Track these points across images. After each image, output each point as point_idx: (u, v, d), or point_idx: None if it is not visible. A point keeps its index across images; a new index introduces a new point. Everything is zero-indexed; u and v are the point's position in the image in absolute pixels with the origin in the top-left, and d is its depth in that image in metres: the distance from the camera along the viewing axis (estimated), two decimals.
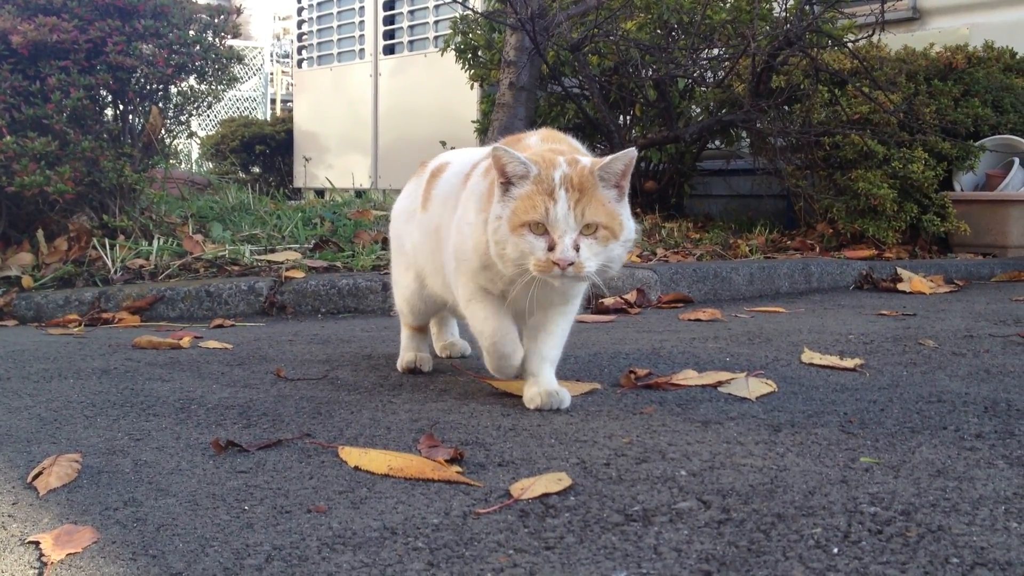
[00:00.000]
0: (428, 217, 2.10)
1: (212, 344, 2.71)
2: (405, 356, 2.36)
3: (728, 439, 1.70)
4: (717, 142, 6.44)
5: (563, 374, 2.29)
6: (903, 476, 1.47)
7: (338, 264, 3.89)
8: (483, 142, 6.12)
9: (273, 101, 14.48)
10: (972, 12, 6.96)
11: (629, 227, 1.78)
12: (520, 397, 2.01)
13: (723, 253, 4.57)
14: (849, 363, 2.34)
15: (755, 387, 2.09)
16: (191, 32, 4.12)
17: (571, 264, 1.69)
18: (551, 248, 1.70)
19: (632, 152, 1.74)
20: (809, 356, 2.43)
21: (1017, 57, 5.88)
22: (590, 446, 1.66)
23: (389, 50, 8.13)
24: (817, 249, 5.02)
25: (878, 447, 1.63)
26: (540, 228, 1.71)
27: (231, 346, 2.70)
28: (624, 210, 1.78)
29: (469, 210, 1.87)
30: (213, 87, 4.37)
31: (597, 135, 5.99)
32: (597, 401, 2.02)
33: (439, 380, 2.25)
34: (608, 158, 1.74)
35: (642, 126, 6.32)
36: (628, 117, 6.39)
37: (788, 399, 2.01)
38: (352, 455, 1.59)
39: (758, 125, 5.15)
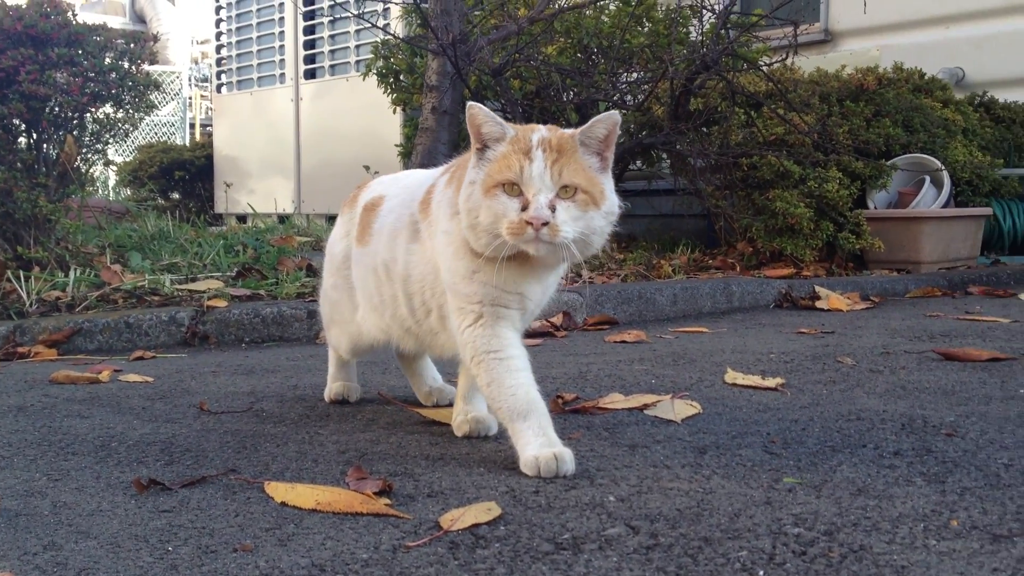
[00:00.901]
0: (367, 252, 1.99)
1: (132, 377, 2.66)
2: (333, 386, 2.33)
3: (655, 463, 1.72)
4: (639, 163, 6.53)
5: None
6: (825, 496, 1.50)
7: (261, 292, 3.84)
8: (406, 165, 6.12)
9: (192, 126, 14.27)
10: (882, 34, 7.18)
11: (612, 200, 1.67)
12: (448, 425, 2.01)
13: (647, 274, 4.62)
14: (771, 383, 2.38)
15: (680, 409, 2.12)
16: (107, 59, 4.05)
17: (545, 224, 1.57)
18: (524, 208, 1.60)
19: (615, 115, 1.64)
20: (732, 376, 2.47)
21: (926, 78, 6.08)
22: (519, 474, 1.66)
23: (310, 74, 8.09)
24: (738, 268, 5.11)
25: (800, 467, 1.67)
26: (515, 189, 1.61)
27: (152, 379, 2.65)
28: (607, 181, 1.67)
29: (441, 220, 1.76)
30: (130, 114, 4.30)
31: None
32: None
33: (366, 410, 2.23)
34: (590, 122, 1.65)
35: None
36: None
37: (713, 421, 2.03)
38: (279, 490, 1.57)
39: (677, 147, 5.24)
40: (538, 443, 1.65)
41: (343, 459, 1.78)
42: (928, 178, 5.26)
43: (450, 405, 2.16)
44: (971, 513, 1.40)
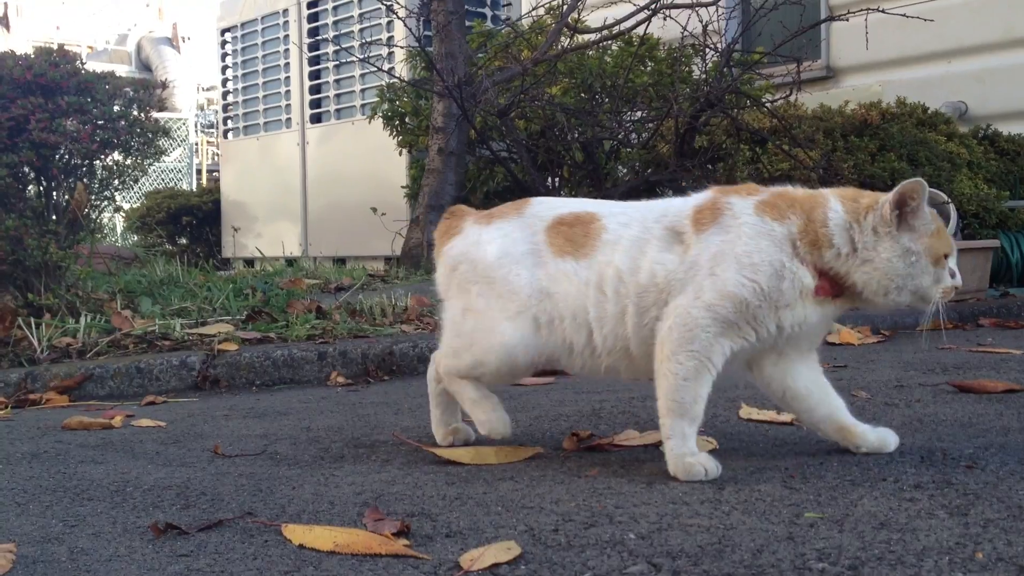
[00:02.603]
0: (586, 265, 1.95)
1: (145, 422, 2.65)
2: (491, 417, 2.11)
3: (674, 499, 1.71)
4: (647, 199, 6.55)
5: (504, 441, 2.29)
6: (847, 530, 1.48)
7: (272, 335, 3.84)
8: (413, 207, 6.14)
9: (199, 171, 14.37)
10: (883, 70, 7.23)
11: None
12: (464, 464, 2.01)
13: None
14: (786, 417, 2.37)
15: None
16: (116, 107, 4.09)
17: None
18: (952, 275, 1.89)
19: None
20: (747, 411, 2.46)
21: (929, 112, 6.11)
22: (537, 512, 1.65)
23: (316, 118, 8.15)
24: None
25: (821, 501, 1.65)
26: (943, 262, 1.87)
27: (165, 424, 2.64)
28: None
29: (755, 244, 1.83)
30: (139, 161, 4.33)
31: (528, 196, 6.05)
32: (541, 465, 2.01)
33: (380, 451, 2.22)
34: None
35: (570, 187, 6.41)
36: (557, 179, 6.47)
37: (730, 456, 2.02)
38: (296, 533, 1.56)
39: (683, 184, 5.26)
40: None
41: (360, 500, 1.77)
42: (935, 211, 5.25)
43: (465, 445, 2.16)
44: (996, 545, 1.38)
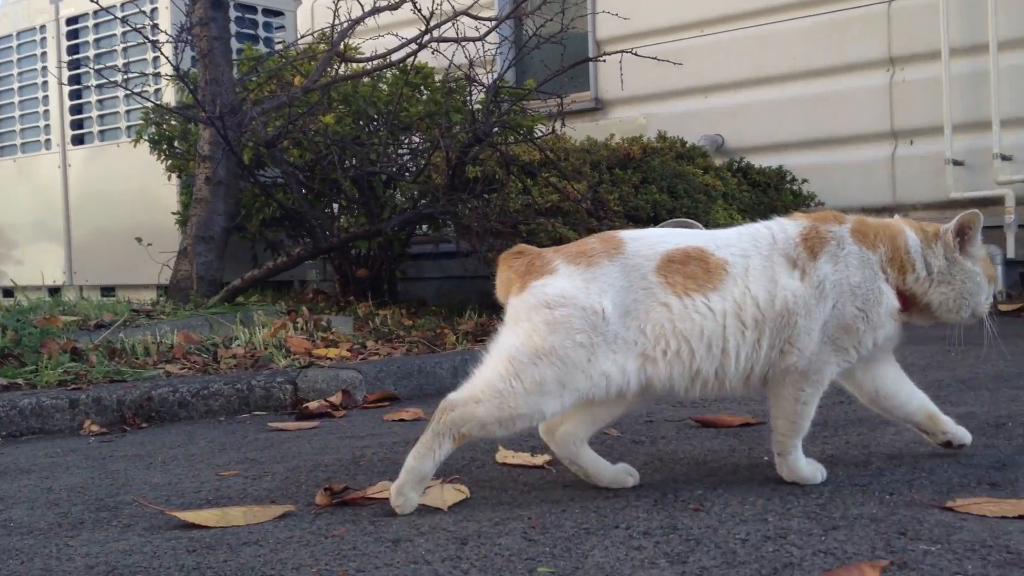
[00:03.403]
0: (718, 297, 2.05)
1: None
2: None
3: (415, 558, 1.73)
4: (425, 227, 6.60)
5: (258, 496, 2.26)
6: None
7: (20, 381, 3.63)
8: (184, 234, 5.94)
9: None
10: (647, 103, 7.60)
11: None
12: (210, 528, 1.96)
13: (431, 344, 4.66)
14: (539, 460, 2.44)
15: (449, 496, 2.14)
16: None
17: None
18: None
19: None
20: (503, 455, 2.52)
21: (688, 146, 6.46)
22: None
23: (79, 140, 7.74)
24: None
25: (555, 553, 1.72)
26: (991, 281, 2.18)
27: None
28: None
29: (865, 276, 2.08)
30: None
31: (303, 227, 5.98)
32: (291, 525, 2.00)
33: (124, 514, 2.14)
34: None
35: (349, 216, 6.38)
36: (337, 207, 6.43)
37: (479, 506, 2.07)
38: None
39: (456, 216, 5.33)
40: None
41: (92, 575, 1.70)
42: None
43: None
44: None
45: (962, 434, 2.28)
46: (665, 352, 2.04)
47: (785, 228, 2.14)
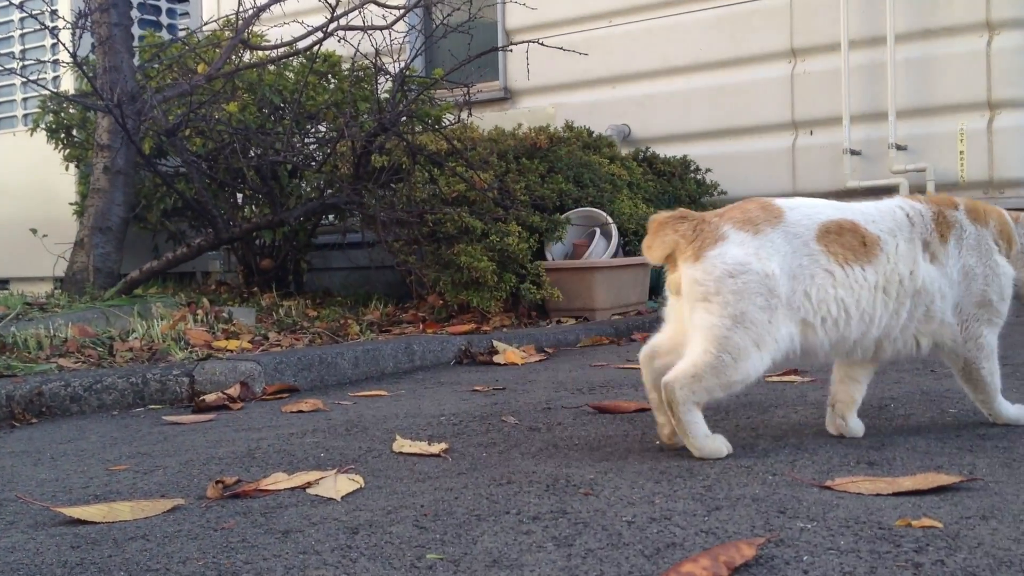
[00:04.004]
0: (871, 270, 2.23)
1: None
2: (715, 443, 2.25)
3: (305, 549, 1.72)
4: (332, 217, 6.55)
5: (148, 490, 2.22)
6: (463, 570, 1.56)
7: None
8: (81, 225, 5.79)
9: None
10: (555, 93, 7.64)
11: None
12: (96, 524, 1.92)
13: (335, 335, 4.62)
14: (436, 448, 2.45)
15: (342, 485, 2.13)
16: None
17: None
18: None
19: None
20: (400, 444, 2.52)
21: (594, 136, 6.52)
22: (163, 574, 1.61)
23: None
24: (428, 322, 5.23)
25: (445, 540, 1.72)
26: None
27: None
28: None
29: (993, 257, 2.33)
30: None
31: (205, 217, 5.88)
32: (179, 519, 1.96)
33: (8, 511, 2.08)
34: None
35: (252, 206, 6.29)
36: (241, 197, 6.33)
37: (372, 495, 2.07)
38: None
39: (362, 203, 5.30)
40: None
41: None
42: (598, 230, 5.63)
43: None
44: (590, 574, 1.50)
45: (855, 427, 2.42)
46: (824, 318, 2.21)
47: (920, 212, 2.32)
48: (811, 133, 6.96)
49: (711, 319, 2.16)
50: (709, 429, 2.24)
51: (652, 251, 2.29)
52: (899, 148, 6.53)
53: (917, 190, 6.44)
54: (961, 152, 6.38)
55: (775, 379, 3.32)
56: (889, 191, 6.55)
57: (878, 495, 1.86)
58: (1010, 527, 1.64)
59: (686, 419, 2.19)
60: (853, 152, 6.69)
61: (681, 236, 2.23)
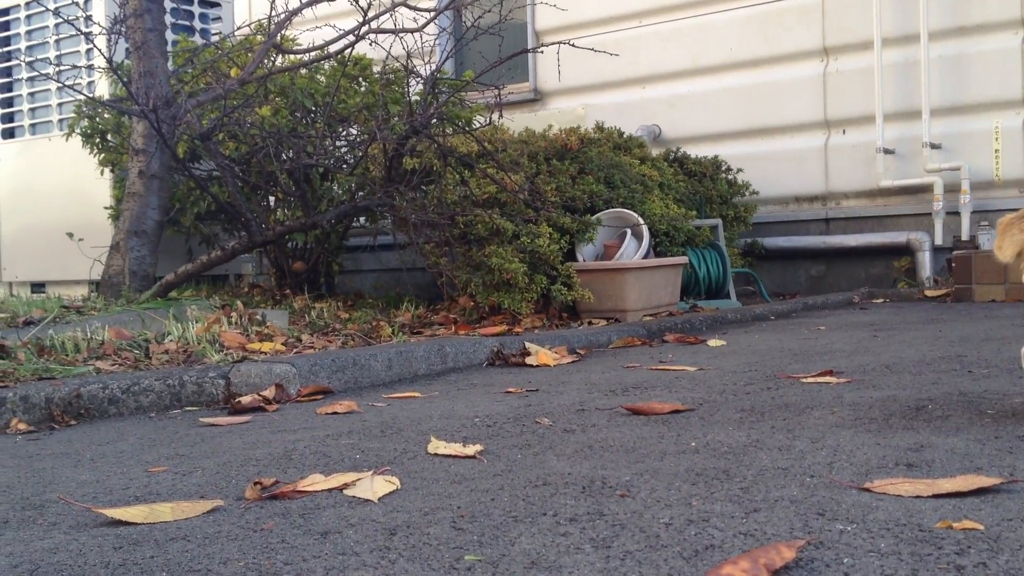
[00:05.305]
0: None
1: None
2: None
3: (344, 550, 1.73)
4: (362, 220, 6.58)
5: (187, 491, 2.24)
6: (501, 571, 1.56)
7: None
8: (116, 229, 5.85)
9: None
10: (585, 94, 7.64)
11: None
12: (137, 525, 1.94)
13: (368, 336, 4.64)
14: (471, 450, 2.46)
15: (379, 487, 2.14)
16: None
17: None
18: None
19: None
20: (435, 446, 2.53)
21: (625, 136, 6.51)
22: (203, 575, 1.63)
23: (9, 133, 7.59)
24: (459, 323, 5.24)
25: (483, 542, 1.73)
26: None
27: None
28: None
29: None
30: None
31: (238, 221, 5.93)
32: (219, 520, 1.98)
33: (50, 512, 2.11)
34: None
35: (285, 209, 6.33)
36: (274, 200, 6.38)
37: (409, 496, 2.08)
38: None
39: (394, 206, 5.32)
40: None
41: (15, 574, 1.68)
42: (629, 231, 5.62)
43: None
44: None
45: None
46: None
47: None
48: (844, 132, 6.92)
49: None
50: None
51: (1003, 251, 2.42)
52: (933, 147, 6.48)
53: (951, 189, 6.38)
54: (996, 150, 6.31)
55: (811, 380, 3.30)
56: (923, 190, 6.50)
57: (918, 497, 1.85)
58: None
59: None
60: (887, 151, 6.64)
61: None
